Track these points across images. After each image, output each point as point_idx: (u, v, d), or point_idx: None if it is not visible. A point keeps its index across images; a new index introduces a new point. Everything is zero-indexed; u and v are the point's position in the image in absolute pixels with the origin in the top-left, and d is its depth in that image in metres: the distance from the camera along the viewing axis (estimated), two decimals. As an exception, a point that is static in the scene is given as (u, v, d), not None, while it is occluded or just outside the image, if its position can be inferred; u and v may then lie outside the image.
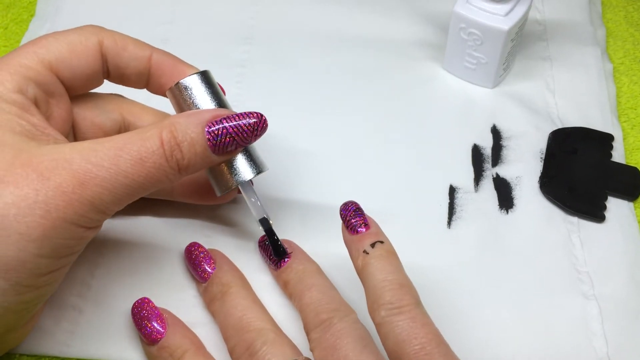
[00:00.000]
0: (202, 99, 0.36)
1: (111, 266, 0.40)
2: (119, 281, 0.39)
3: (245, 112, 0.35)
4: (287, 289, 0.37)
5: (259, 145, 0.37)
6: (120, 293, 0.39)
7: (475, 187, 0.44)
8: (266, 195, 0.43)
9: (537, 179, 0.44)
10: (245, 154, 0.36)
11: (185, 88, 0.36)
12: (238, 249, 0.41)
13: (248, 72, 0.50)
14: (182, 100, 0.37)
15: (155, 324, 0.35)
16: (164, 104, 0.39)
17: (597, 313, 0.39)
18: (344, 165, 0.45)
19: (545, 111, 0.48)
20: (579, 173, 0.44)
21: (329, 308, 0.34)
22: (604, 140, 0.46)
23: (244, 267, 0.39)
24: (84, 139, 0.37)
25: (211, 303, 0.37)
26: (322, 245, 0.40)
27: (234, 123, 0.34)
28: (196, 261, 0.38)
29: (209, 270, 0.38)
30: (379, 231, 0.34)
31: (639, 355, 0.37)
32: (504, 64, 0.48)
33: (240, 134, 0.34)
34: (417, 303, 0.31)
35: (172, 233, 0.41)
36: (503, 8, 0.45)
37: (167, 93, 0.37)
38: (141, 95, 0.39)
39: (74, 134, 0.37)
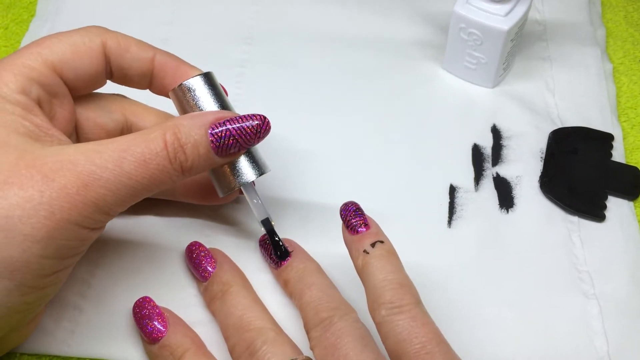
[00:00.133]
0: (205, 101, 0.36)
1: (112, 265, 0.40)
2: (119, 280, 0.39)
3: (248, 115, 0.35)
4: (288, 288, 0.37)
5: (260, 146, 0.37)
6: (120, 292, 0.39)
7: (475, 186, 0.44)
8: (266, 195, 0.43)
9: (537, 178, 0.45)
10: (247, 155, 0.36)
11: (189, 89, 0.36)
12: (239, 248, 0.41)
13: (248, 72, 0.50)
14: (185, 102, 0.37)
15: (156, 323, 0.36)
16: (166, 104, 0.39)
17: (597, 312, 0.39)
18: (344, 165, 0.45)
19: (545, 111, 0.48)
20: (579, 173, 0.44)
21: (329, 307, 0.34)
22: (604, 139, 0.46)
23: (245, 266, 0.39)
24: (86, 139, 0.37)
25: (212, 302, 0.37)
26: (323, 244, 0.40)
27: (237, 125, 0.34)
28: (197, 260, 0.38)
29: (210, 269, 0.38)
30: (379, 231, 0.34)
31: (639, 354, 0.37)
32: (504, 64, 0.48)
33: (243, 136, 0.34)
34: (418, 302, 0.31)
35: (173, 232, 0.41)
36: (503, 8, 0.45)
37: (170, 94, 0.37)
38: (143, 96, 0.39)
39: (76, 134, 0.37)
